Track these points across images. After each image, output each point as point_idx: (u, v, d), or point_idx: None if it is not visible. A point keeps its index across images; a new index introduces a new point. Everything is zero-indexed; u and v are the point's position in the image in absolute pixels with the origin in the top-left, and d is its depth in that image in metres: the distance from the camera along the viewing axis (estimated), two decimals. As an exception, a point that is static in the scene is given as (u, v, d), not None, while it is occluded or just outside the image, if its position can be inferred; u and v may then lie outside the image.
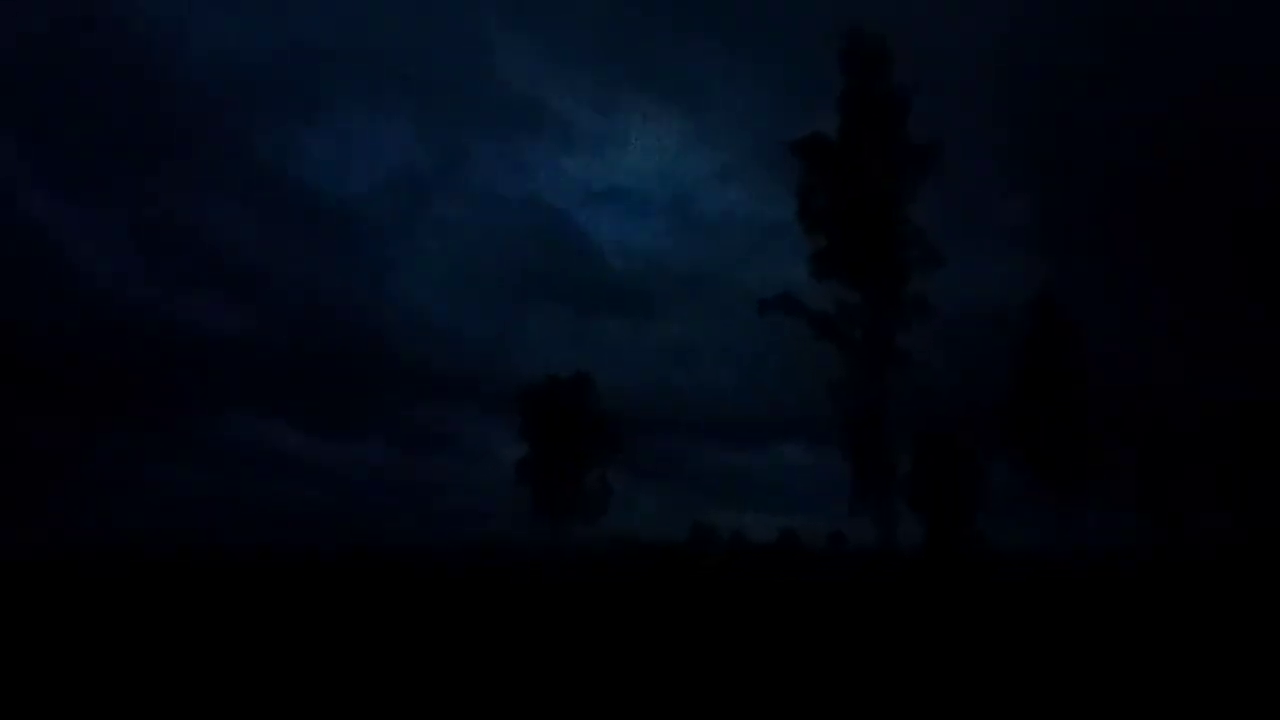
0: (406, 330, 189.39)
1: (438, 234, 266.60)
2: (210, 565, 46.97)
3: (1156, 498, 47.43)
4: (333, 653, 13.71)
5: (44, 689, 10.36)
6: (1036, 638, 15.70)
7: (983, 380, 44.46)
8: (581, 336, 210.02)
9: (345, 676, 11.31)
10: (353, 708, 9.34)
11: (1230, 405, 46.81)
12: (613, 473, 49.81)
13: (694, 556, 47.54)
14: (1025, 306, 43.96)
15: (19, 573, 38.61)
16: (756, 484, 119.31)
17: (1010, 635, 16.29)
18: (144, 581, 34.11)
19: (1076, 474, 42.22)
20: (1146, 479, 47.65)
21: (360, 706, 9.39)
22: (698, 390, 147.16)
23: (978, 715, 9.09)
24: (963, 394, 43.08)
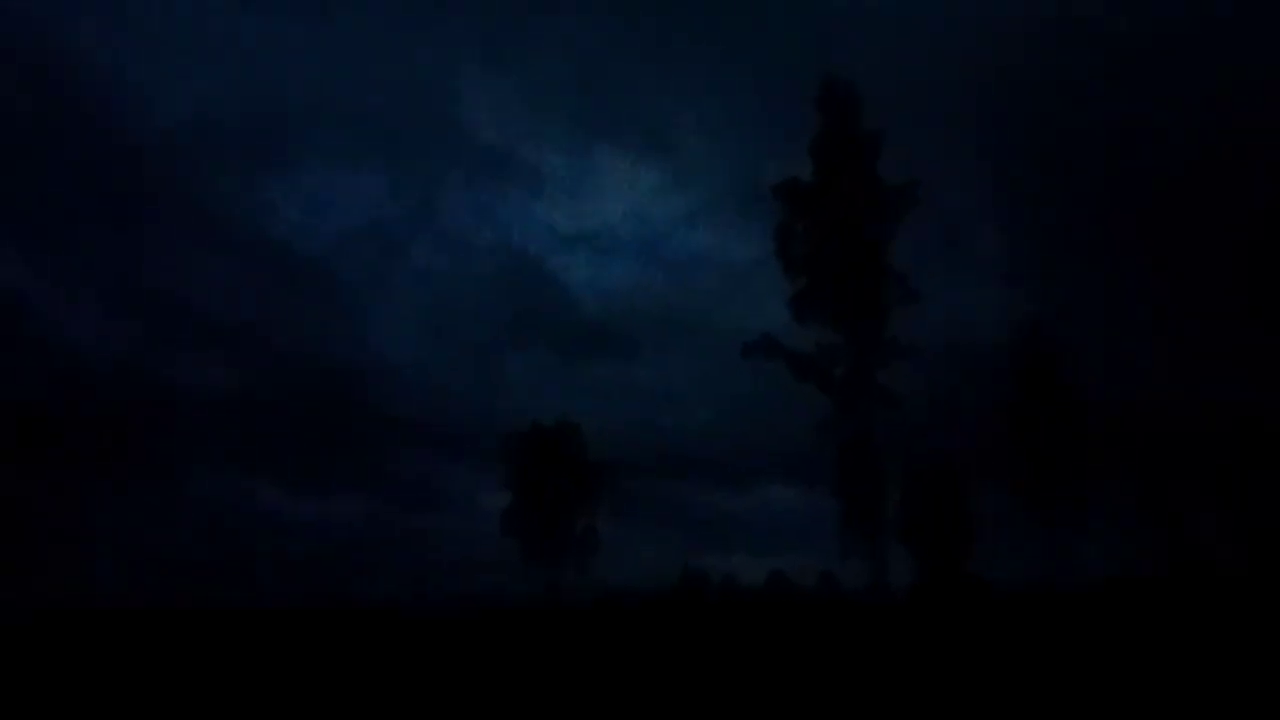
0: (385, 381, 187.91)
1: (412, 284, 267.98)
2: (196, 621, 45.93)
3: (1155, 521, 47.12)
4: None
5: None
6: (1035, 675, 15.34)
7: (971, 411, 44.43)
8: (560, 381, 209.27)
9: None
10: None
11: (1228, 422, 46.75)
12: (600, 519, 49.31)
13: (687, 602, 46.99)
14: (1013, 335, 43.85)
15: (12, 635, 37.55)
16: (744, 526, 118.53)
17: (1008, 675, 15.92)
18: (133, 638, 33.17)
19: (1070, 502, 42.02)
20: (1144, 503, 47.41)
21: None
22: (680, 432, 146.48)
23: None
24: (951, 427, 43.01)
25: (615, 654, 24.01)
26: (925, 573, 43.49)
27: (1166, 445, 46.37)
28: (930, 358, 32.46)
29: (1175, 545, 48.14)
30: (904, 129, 31.92)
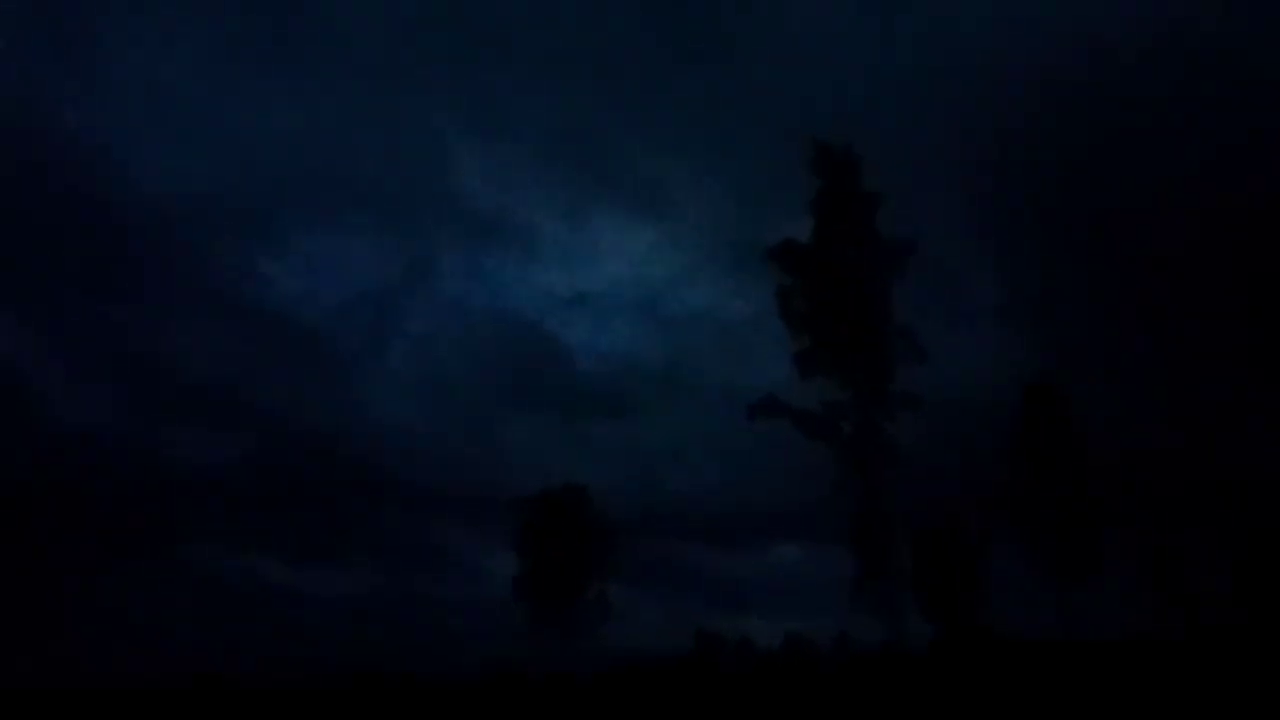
0: (385, 448, 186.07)
1: (409, 349, 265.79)
2: (209, 698, 45.23)
3: (1167, 579, 46.76)
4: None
5: None
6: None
7: (978, 463, 44.45)
8: (561, 442, 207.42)
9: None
10: None
11: (1239, 476, 46.66)
12: (610, 584, 48.91)
13: (703, 669, 46.31)
14: (1018, 388, 43.98)
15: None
16: (755, 587, 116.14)
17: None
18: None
19: (1081, 558, 41.75)
20: (1155, 560, 47.07)
21: None
22: (684, 492, 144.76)
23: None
24: (960, 481, 43.03)
25: None
26: (941, 629, 43.05)
27: (1177, 501, 46.38)
28: (936, 410, 32.90)
29: (1187, 603, 47.71)
30: (896, 179, 32.82)
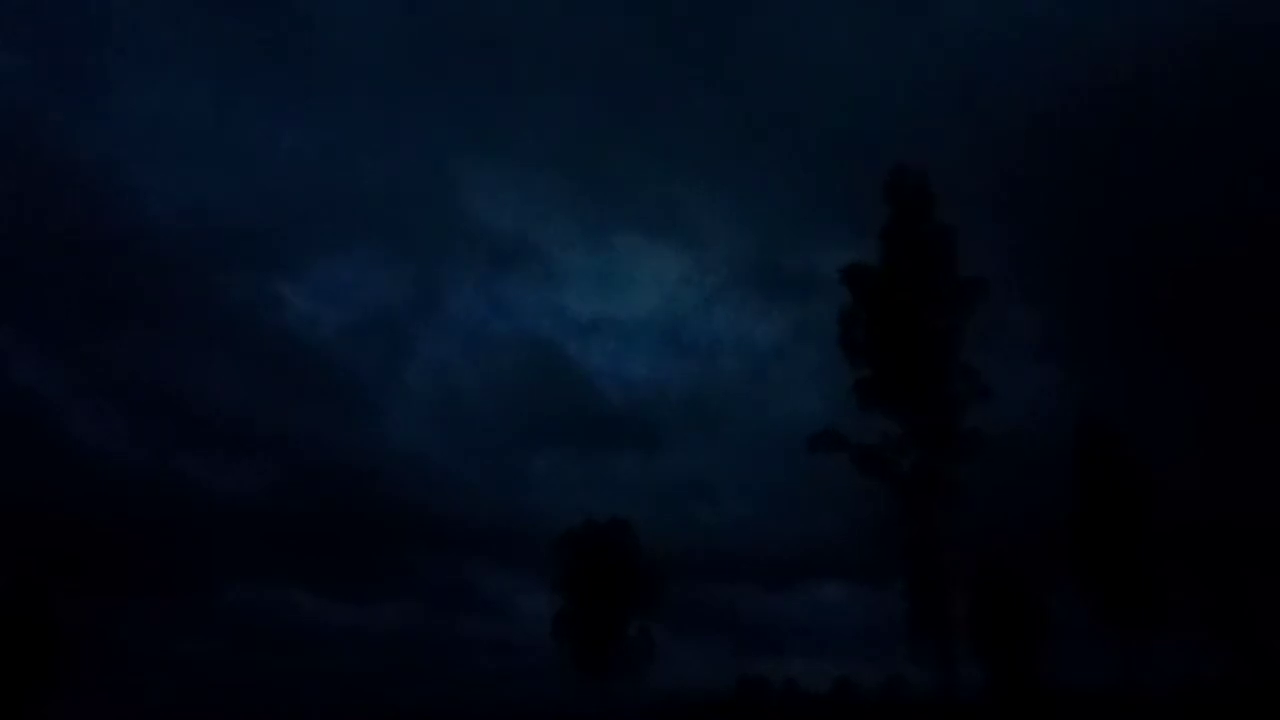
0: (408, 480, 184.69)
1: (428, 375, 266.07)
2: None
3: (1230, 627, 44.99)
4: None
5: None
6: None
7: (1036, 507, 43.30)
8: (587, 474, 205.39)
9: None
10: None
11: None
12: (654, 623, 47.85)
13: (751, 712, 45.10)
14: (1078, 433, 42.83)
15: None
16: (797, 628, 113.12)
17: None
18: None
19: (1143, 606, 40.32)
20: (1217, 607, 45.36)
21: None
22: (717, 527, 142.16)
23: None
24: (1018, 523, 41.88)
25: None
26: (996, 678, 41.69)
27: (1245, 546, 44.76)
28: (999, 450, 31.97)
29: (1251, 652, 45.87)
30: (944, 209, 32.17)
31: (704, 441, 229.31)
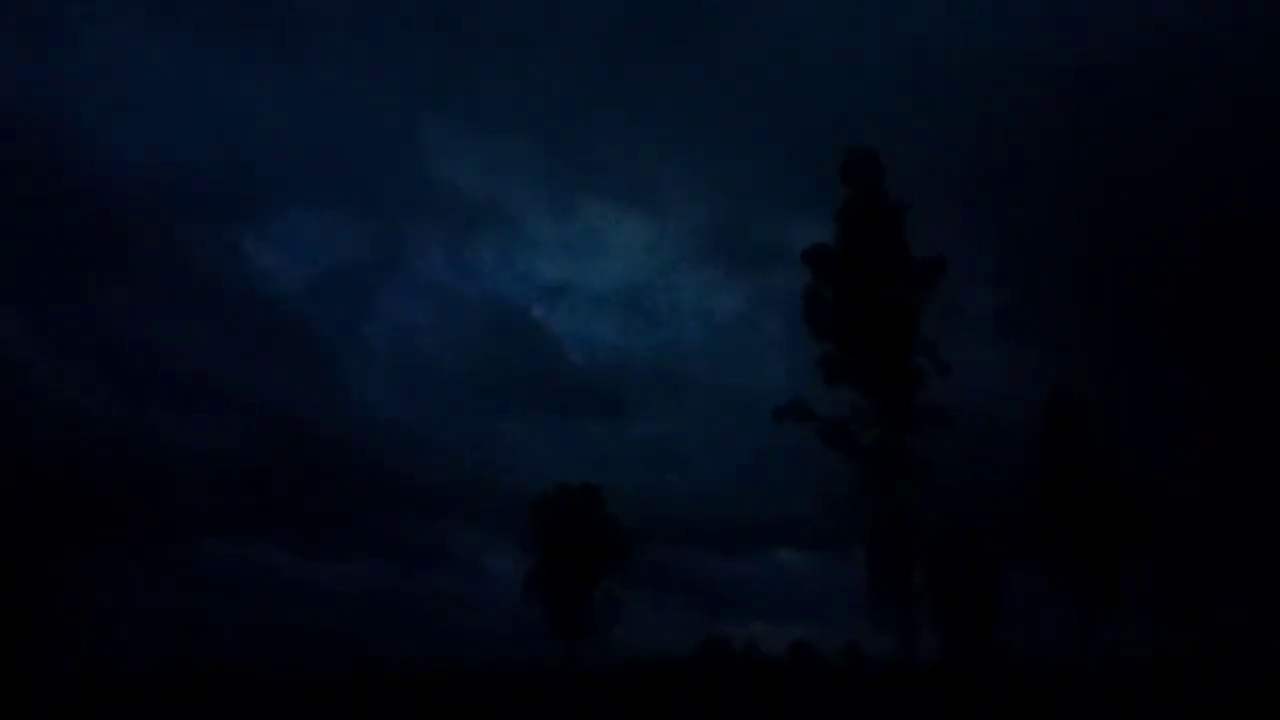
0: (378, 439, 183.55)
1: (396, 336, 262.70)
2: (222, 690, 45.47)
3: (1187, 601, 45.98)
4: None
5: None
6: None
7: (999, 480, 43.96)
8: (557, 438, 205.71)
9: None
10: None
11: (1264, 499, 45.77)
12: (622, 586, 48.74)
13: (712, 672, 46.20)
14: (1043, 407, 43.32)
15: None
16: (757, 592, 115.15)
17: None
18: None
19: (1101, 579, 41.26)
20: (1176, 581, 46.33)
21: None
22: (682, 493, 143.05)
23: None
24: (978, 496, 42.55)
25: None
26: (953, 648, 42.76)
27: (1200, 521, 45.56)
28: (960, 425, 32.50)
29: (1207, 626, 46.95)
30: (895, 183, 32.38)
31: (669, 408, 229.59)
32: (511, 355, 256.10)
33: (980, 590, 42.80)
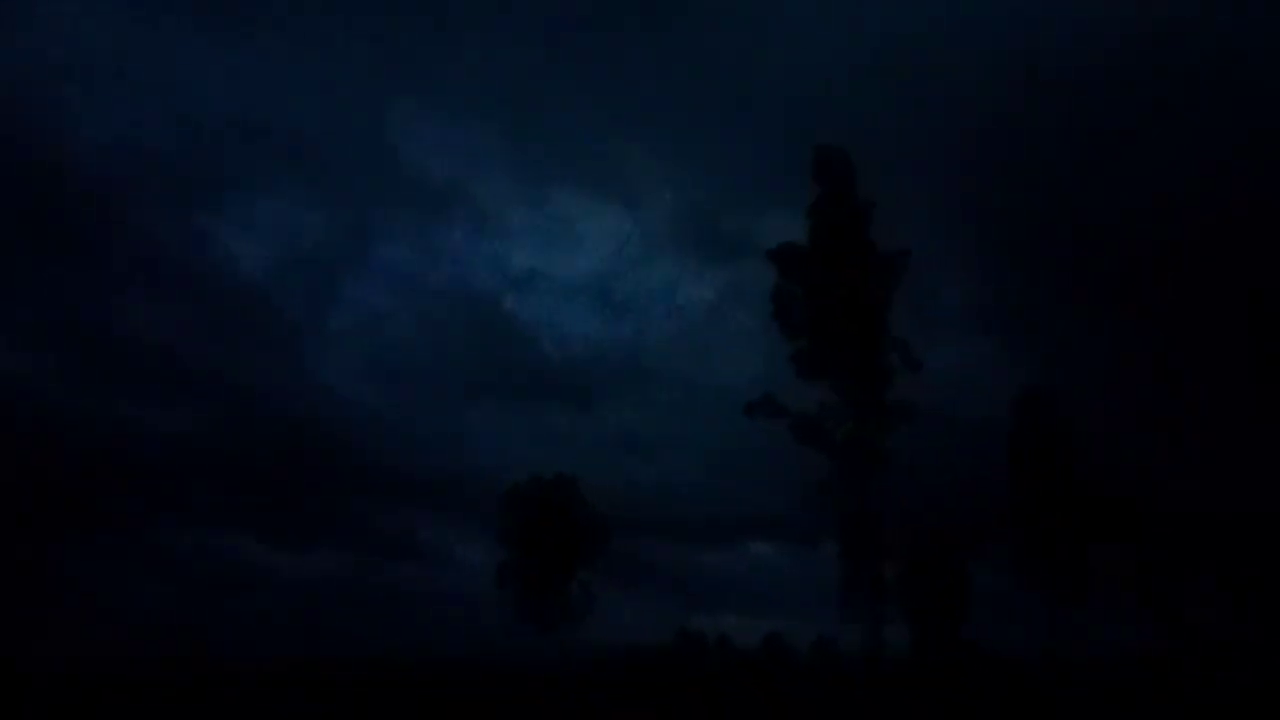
0: (344, 426, 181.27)
1: (363, 321, 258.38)
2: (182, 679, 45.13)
3: (1156, 598, 46.43)
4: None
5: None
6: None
7: (971, 475, 44.30)
8: (526, 428, 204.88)
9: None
10: None
11: (1228, 499, 46.29)
12: (595, 576, 48.77)
13: (688, 665, 46.41)
14: (1015, 407, 43.53)
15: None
16: (729, 584, 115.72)
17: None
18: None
19: (1068, 570, 41.67)
20: (1145, 578, 46.73)
21: None
22: (655, 485, 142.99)
23: None
24: (951, 491, 42.87)
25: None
26: (922, 641, 43.12)
27: (1168, 519, 46.06)
28: (934, 422, 32.77)
29: (1176, 623, 47.48)
30: (868, 178, 32.46)
31: (639, 399, 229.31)
32: (480, 343, 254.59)
33: (950, 585, 43.13)
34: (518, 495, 47.97)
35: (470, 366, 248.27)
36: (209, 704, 30.79)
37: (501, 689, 39.10)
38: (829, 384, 31.53)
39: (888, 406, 31.30)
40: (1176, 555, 47.04)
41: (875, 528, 33.26)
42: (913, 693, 35.46)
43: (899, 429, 31.82)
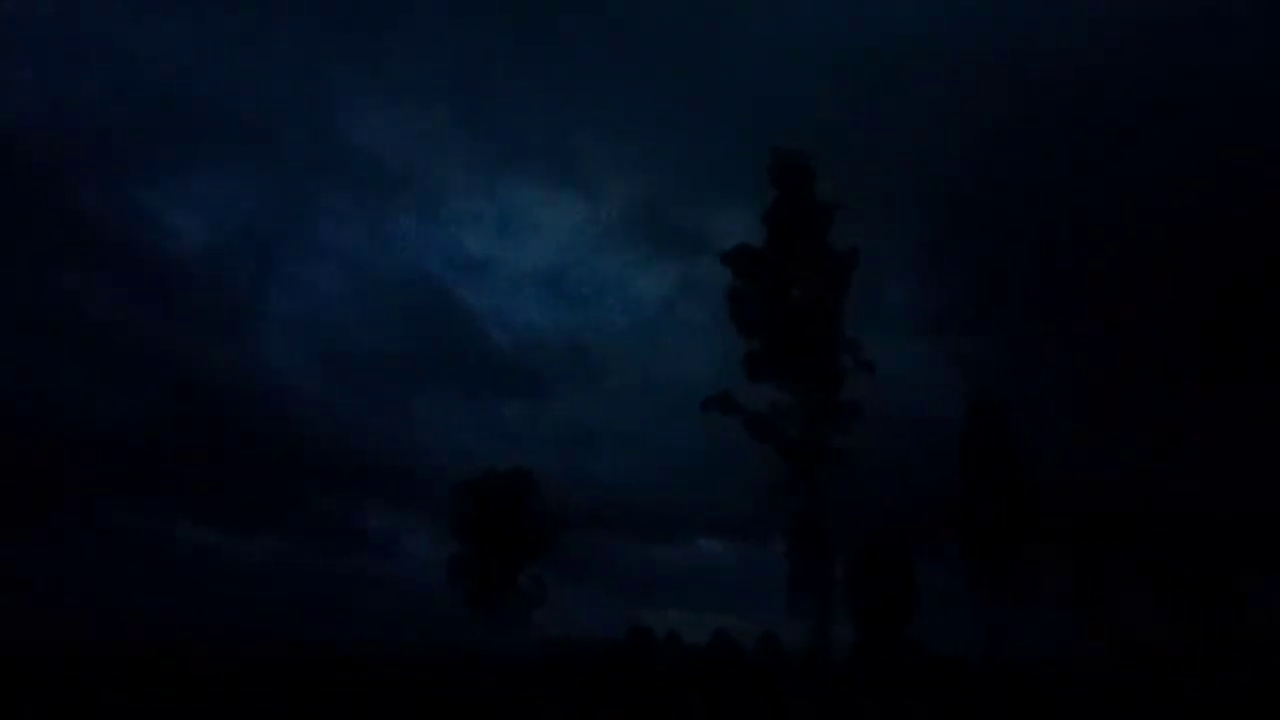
0: (288, 410, 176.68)
1: (306, 304, 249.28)
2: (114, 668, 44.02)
3: (1094, 601, 47.55)
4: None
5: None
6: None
7: (920, 478, 44.97)
8: (475, 418, 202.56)
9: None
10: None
11: (1166, 505, 47.47)
12: (546, 571, 48.70)
13: (638, 660, 46.54)
14: (964, 412, 44.21)
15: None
16: (679, 580, 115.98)
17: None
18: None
19: (1010, 573, 42.49)
20: (1084, 580, 47.83)
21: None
22: (604, 479, 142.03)
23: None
24: (900, 492, 43.49)
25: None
26: (867, 639, 43.73)
27: (1106, 526, 47.17)
28: (881, 423, 33.26)
29: (1112, 627, 48.66)
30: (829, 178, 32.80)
31: (590, 392, 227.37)
32: (430, 331, 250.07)
33: (897, 585, 43.79)
34: (471, 488, 47.70)
35: (419, 354, 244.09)
36: (133, 690, 30.13)
37: (447, 681, 38.81)
38: (781, 385, 31.91)
39: (840, 407, 31.74)
40: (1113, 558, 48.28)
41: (824, 527, 33.63)
42: (856, 691, 35.97)
43: (850, 429, 32.28)
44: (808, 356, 30.94)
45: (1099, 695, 32.44)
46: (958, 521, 43.35)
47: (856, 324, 31.73)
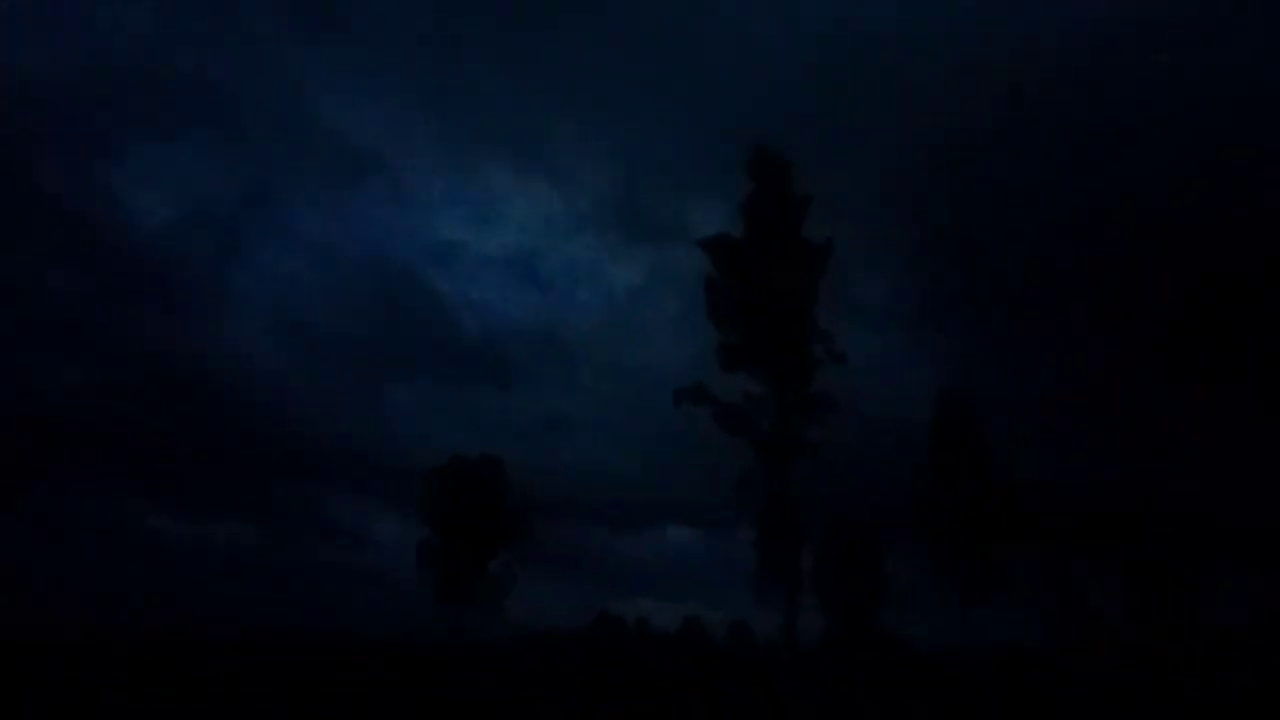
0: (252, 394, 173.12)
1: (271, 286, 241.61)
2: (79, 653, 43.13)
3: (1061, 591, 48.20)
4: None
5: None
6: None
7: (890, 470, 45.36)
8: (444, 405, 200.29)
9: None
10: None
11: (1131, 500, 48.19)
12: (516, 558, 48.48)
13: (608, 648, 46.56)
14: (934, 406, 44.66)
15: None
16: (649, 568, 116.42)
17: None
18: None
19: (981, 567, 43.02)
20: (1052, 572, 48.46)
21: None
22: (575, 467, 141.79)
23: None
24: (870, 485, 43.85)
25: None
26: (835, 628, 44.13)
27: (1073, 520, 47.79)
28: (855, 416, 33.37)
29: (1077, 617, 49.41)
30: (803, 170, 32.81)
31: (561, 380, 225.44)
32: (398, 316, 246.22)
33: (865, 575, 44.17)
34: (441, 475, 47.30)
35: (387, 339, 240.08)
36: (91, 675, 29.52)
37: (414, 669, 38.52)
38: (753, 375, 31.92)
39: (812, 398, 31.81)
40: (1081, 551, 48.97)
41: (794, 517, 33.70)
42: (823, 679, 36.22)
43: (823, 421, 32.34)
44: (782, 348, 30.95)
45: (1065, 685, 32.91)
46: (925, 512, 43.84)
47: (830, 315, 31.79)
